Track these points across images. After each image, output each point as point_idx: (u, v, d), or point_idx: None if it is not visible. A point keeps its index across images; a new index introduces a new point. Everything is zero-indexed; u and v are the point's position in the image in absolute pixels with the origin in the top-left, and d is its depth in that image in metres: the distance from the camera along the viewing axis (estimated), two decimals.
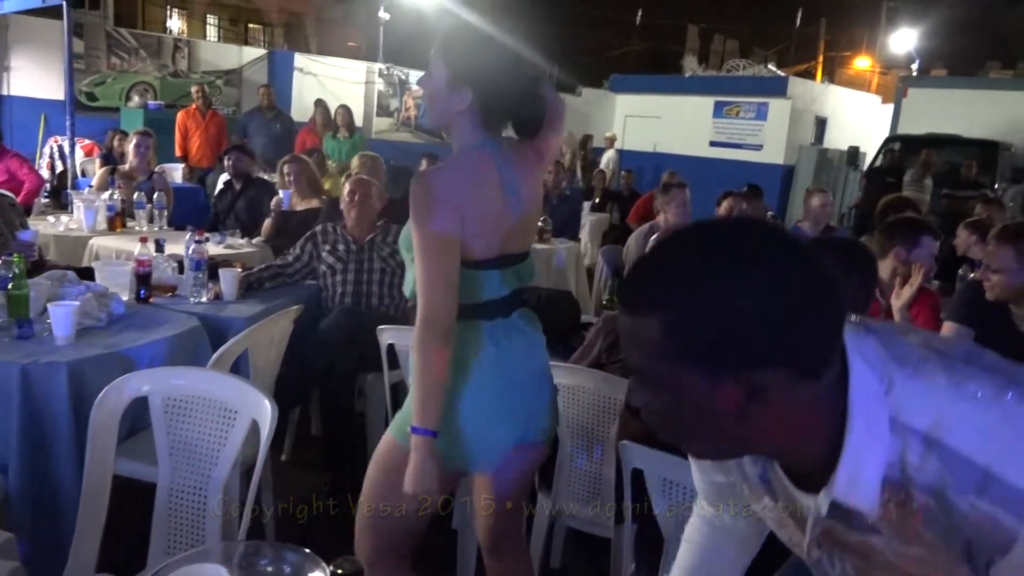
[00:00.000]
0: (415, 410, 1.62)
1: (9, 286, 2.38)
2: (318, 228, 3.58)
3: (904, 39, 20.15)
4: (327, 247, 3.50)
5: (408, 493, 1.61)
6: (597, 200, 9.38)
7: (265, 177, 5.73)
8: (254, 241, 4.44)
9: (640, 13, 20.41)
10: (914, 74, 17.71)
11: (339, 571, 0.99)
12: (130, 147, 5.18)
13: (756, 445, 0.92)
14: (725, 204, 4.67)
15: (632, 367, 0.90)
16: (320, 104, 8.89)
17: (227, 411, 1.83)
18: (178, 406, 1.85)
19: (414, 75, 13.76)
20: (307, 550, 1.10)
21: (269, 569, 1.05)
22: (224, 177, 5.51)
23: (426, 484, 1.61)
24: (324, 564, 1.02)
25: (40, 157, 8.99)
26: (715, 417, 0.85)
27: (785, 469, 0.97)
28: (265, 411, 1.78)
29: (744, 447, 0.95)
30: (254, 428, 1.84)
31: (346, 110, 8.34)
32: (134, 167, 5.15)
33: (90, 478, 1.81)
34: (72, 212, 4.79)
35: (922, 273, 2.80)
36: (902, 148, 10.45)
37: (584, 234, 7.58)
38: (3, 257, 2.52)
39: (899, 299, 2.81)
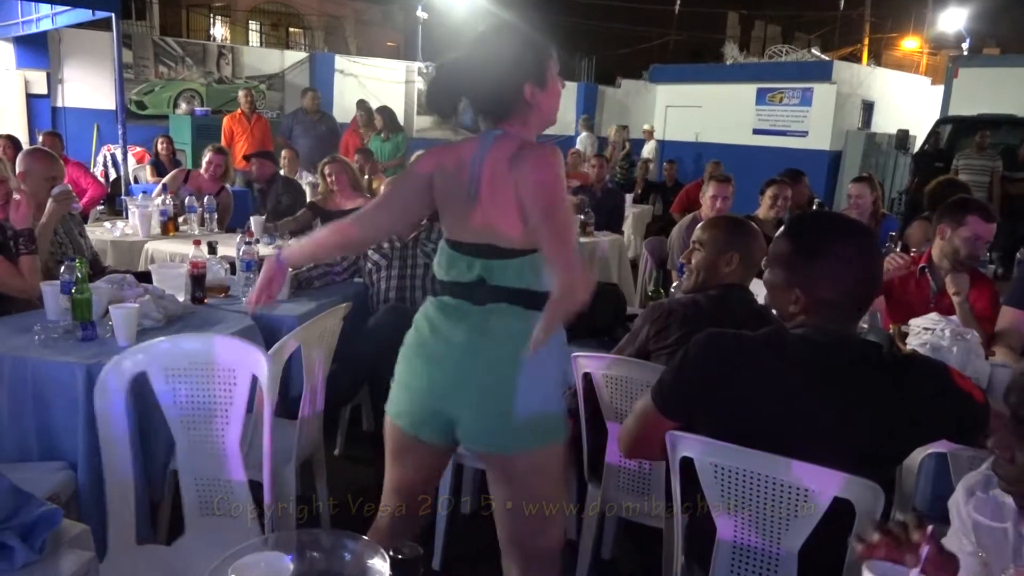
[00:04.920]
0: None
1: (73, 290, 2.48)
2: None
3: (953, 18, 19.52)
4: (373, 245, 3.54)
5: None
6: (639, 192, 9.33)
7: (306, 176, 5.85)
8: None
9: (679, 2, 20.17)
10: (965, 54, 17.17)
11: (399, 556, 1.01)
12: (203, 161, 5.41)
13: None
14: (769, 192, 4.60)
15: None
16: (363, 105, 8.96)
17: (226, 371, 1.91)
18: (178, 375, 1.94)
19: None
20: (365, 537, 1.12)
21: (330, 556, 1.08)
22: None
23: None
24: (383, 550, 1.04)
25: (94, 166, 9.26)
26: None
27: None
28: (262, 365, 1.87)
29: None
30: (301, 424, 1.87)
31: (388, 111, 8.39)
32: (206, 182, 5.32)
33: (109, 457, 1.92)
34: (127, 218, 4.94)
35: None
36: (954, 130, 10.17)
37: (627, 226, 7.54)
38: (66, 263, 2.62)
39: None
